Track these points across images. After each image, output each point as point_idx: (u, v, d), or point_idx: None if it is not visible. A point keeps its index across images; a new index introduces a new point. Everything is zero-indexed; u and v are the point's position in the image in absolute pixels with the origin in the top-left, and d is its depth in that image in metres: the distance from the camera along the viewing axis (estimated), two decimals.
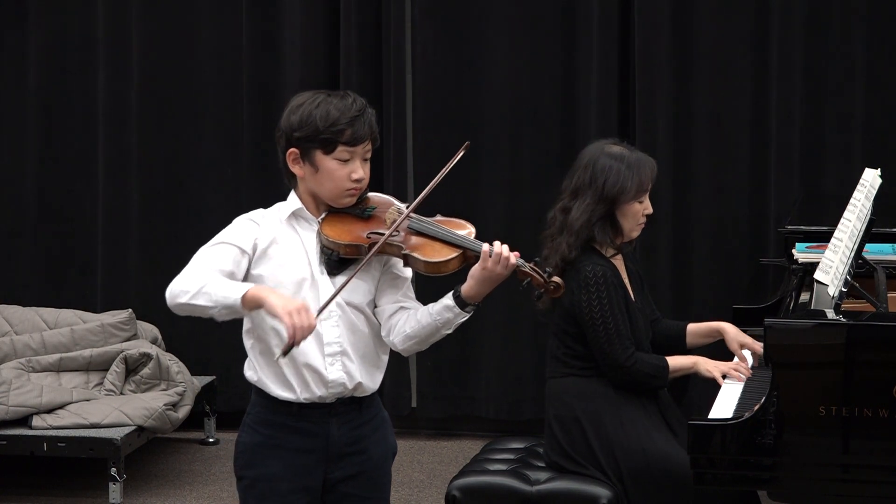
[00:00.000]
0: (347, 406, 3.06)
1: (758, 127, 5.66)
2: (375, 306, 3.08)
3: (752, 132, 5.67)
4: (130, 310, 5.75)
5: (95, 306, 6.04)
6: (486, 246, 2.94)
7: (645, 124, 5.67)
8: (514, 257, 2.95)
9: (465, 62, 5.87)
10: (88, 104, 6.15)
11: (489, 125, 5.87)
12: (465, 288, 2.96)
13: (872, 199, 3.95)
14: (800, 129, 5.62)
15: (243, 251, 2.97)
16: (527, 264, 2.99)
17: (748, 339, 4.02)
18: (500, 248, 2.94)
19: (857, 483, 3.28)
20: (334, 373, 3.01)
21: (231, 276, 2.94)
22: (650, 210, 3.92)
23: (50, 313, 5.80)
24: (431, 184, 3.06)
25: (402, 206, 3.07)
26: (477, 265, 2.94)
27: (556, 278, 3.02)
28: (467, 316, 2.98)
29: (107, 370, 5.47)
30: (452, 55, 5.88)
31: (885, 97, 5.60)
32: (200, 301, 2.84)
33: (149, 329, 5.81)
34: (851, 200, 3.83)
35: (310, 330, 2.78)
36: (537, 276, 3.00)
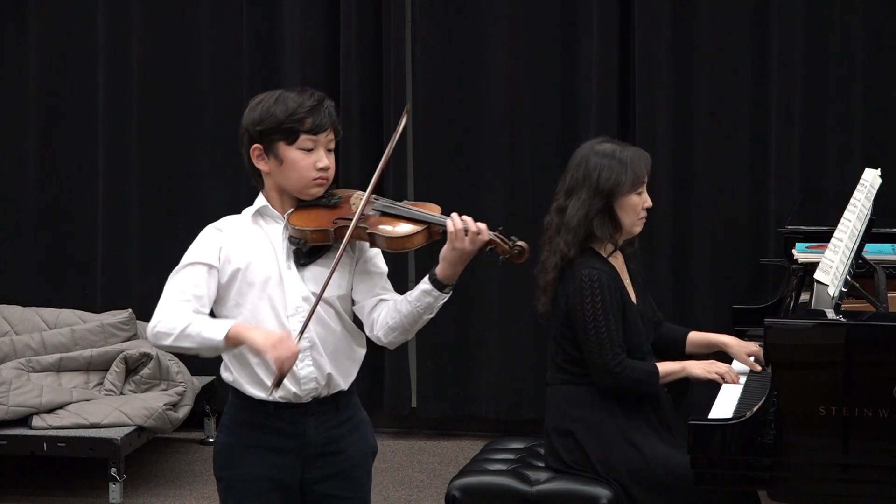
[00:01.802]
0: (324, 406, 3.07)
1: (758, 127, 5.66)
2: (354, 303, 3.09)
3: (752, 132, 5.67)
4: (130, 310, 5.75)
5: (95, 306, 6.04)
6: (450, 225, 2.94)
7: (645, 124, 5.67)
8: (485, 231, 2.96)
9: (465, 62, 5.87)
10: (88, 104, 6.15)
11: (489, 125, 5.87)
12: (440, 269, 2.97)
13: (872, 199, 3.95)
14: (800, 129, 5.62)
15: (210, 266, 3.01)
16: (491, 232, 3.00)
17: (754, 347, 3.99)
18: (467, 223, 2.94)
19: (857, 483, 3.28)
20: (304, 368, 3.01)
21: (203, 298, 2.98)
22: (649, 203, 3.89)
23: (50, 313, 5.80)
24: (385, 156, 3.11)
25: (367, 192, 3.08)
26: (446, 246, 2.95)
27: (520, 242, 3.02)
28: (447, 297, 2.99)
29: (107, 370, 5.47)
30: (452, 55, 5.88)
31: (885, 97, 5.60)
32: (184, 343, 2.91)
33: None
34: (851, 200, 3.83)
35: (294, 357, 2.86)
36: (501, 243, 3.00)
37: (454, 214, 2.97)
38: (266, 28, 5.98)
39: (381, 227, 2.99)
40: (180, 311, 2.93)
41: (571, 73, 5.80)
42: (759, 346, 4.03)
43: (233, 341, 2.88)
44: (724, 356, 4.04)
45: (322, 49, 5.95)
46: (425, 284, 2.98)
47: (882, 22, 5.59)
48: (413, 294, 3.00)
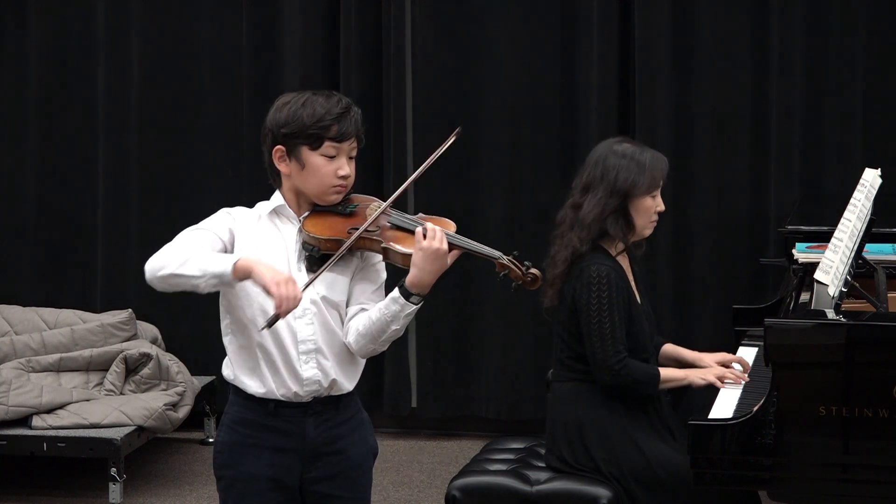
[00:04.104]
0: (324, 405, 3.06)
1: (758, 127, 5.66)
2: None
3: (752, 132, 5.68)
4: (130, 310, 5.75)
5: (95, 306, 6.05)
6: (419, 230, 2.95)
7: (645, 124, 5.67)
8: (440, 233, 2.94)
9: (465, 62, 5.88)
10: (88, 104, 6.15)
11: (489, 125, 5.87)
12: (409, 276, 2.95)
13: (872, 199, 3.95)
14: (800, 128, 5.62)
15: (221, 240, 3.01)
16: (506, 257, 3.00)
17: (720, 356, 4.00)
18: (430, 226, 2.95)
19: (857, 483, 3.29)
20: (309, 370, 3.01)
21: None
22: (662, 207, 3.89)
23: (50, 313, 5.80)
24: (413, 176, 3.13)
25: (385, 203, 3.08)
26: (414, 249, 2.95)
27: (533, 270, 3.02)
28: (413, 308, 2.96)
29: (107, 370, 5.47)
30: (452, 55, 5.88)
31: (885, 97, 5.60)
32: (187, 270, 2.87)
33: (149, 329, 5.81)
34: (851, 200, 3.83)
35: (296, 302, 2.82)
36: (515, 269, 3.00)
37: (427, 223, 2.97)
38: (266, 28, 5.98)
39: (395, 242, 2.99)
40: (186, 247, 2.91)
41: (571, 73, 5.80)
42: (725, 354, 4.04)
43: (240, 272, 2.85)
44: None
45: (322, 49, 5.95)
46: (394, 292, 2.97)
47: (882, 22, 5.59)
48: (383, 301, 3.00)
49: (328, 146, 3.00)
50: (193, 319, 5.95)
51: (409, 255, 2.97)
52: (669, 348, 4.11)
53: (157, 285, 2.94)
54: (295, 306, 2.83)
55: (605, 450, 3.79)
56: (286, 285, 2.80)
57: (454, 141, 3.13)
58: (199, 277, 2.87)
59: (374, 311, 3.00)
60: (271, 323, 2.85)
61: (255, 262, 2.85)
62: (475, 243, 3.01)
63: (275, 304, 2.80)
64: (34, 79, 6.18)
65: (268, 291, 2.82)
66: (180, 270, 2.88)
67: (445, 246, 2.94)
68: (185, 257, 2.88)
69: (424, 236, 2.94)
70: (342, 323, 3.06)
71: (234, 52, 6.02)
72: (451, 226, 3.02)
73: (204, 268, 2.86)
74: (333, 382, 3.05)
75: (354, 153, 3.06)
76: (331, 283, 3.02)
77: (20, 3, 6.16)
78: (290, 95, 3.06)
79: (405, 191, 5.68)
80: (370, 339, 3.01)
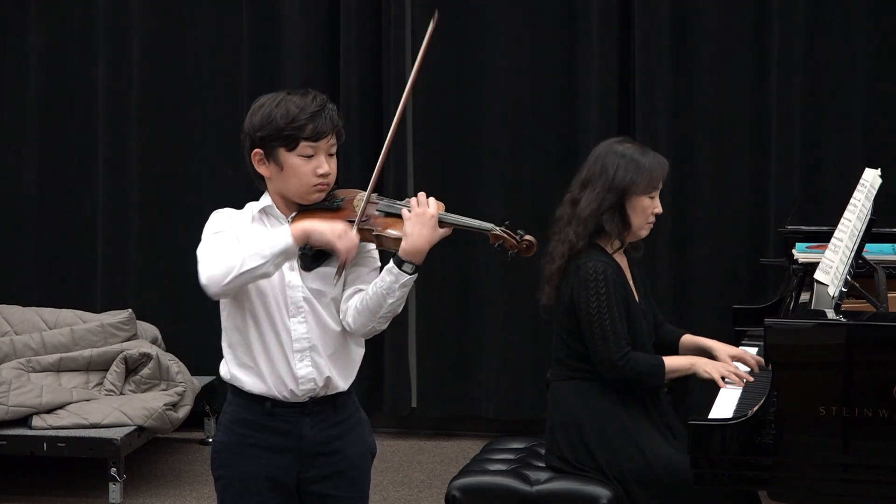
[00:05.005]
0: (321, 405, 3.07)
1: (758, 127, 5.67)
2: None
3: (752, 132, 5.68)
4: (130, 310, 5.75)
5: (95, 306, 6.04)
6: (406, 208, 3.01)
7: (645, 124, 5.67)
8: (433, 204, 3.01)
9: (465, 62, 5.88)
10: (88, 104, 6.15)
11: (489, 125, 5.87)
12: (401, 245, 2.97)
13: (872, 199, 3.95)
14: (800, 129, 5.62)
15: (237, 238, 2.99)
16: (498, 227, 3.01)
17: (737, 351, 4.00)
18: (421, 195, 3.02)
19: (857, 483, 3.28)
20: (303, 369, 3.01)
21: None
22: (659, 209, 3.90)
23: (50, 313, 5.80)
24: (383, 151, 3.19)
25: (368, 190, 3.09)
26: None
27: (528, 237, 3.02)
28: (407, 277, 2.95)
29: (107, 370, 5.47)
30: (452, 55, 5.88)
31: (885, 97, 5.60)
32: (252, 263, 2.87)
33: (149, 329, 5.81)
34: (851, 200, 3.83)
35: (356, 248, 2.92)
36: (509, 238, 3.01)
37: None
38: (266, 28, 5.98)
39: (388, 229, 2.99)
40: (233, 248, 2.91)
41: (571, 74, 5.80)
42: (744, 350, 4.05)
43: (300, 239, 2.88)
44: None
45: (322, 49, 5.95)
46: (389, 263, 2.98)
47: (882, 22, 5.59)
48: (379, 275, 3.01)
49: (304, 146, 3.00)
50: (193, 319, 5.95)
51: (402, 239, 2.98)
52: (688, 339, 4.10)
53: (223, 293, 2.94)
54: (356, 252, 2.92)
55: (606, 450, 3.79)
56: (345, 237, 2.88)
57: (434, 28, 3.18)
58: (265, 265, 2.88)
59: (371, 287, 3.00)
60: (340, 271, 2.94)
61: (310, 224, 2.90)
62: (466, 218, 3.04)
63: (341, 256, 2.88)
64: (34, 79, 6.18)
65: (333, 246, 2.88)
66: (245, 267, 2.88)
67: (433, 210, 2.98)
68: (241, 255, 2.89)
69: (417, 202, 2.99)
70: (337, 316, 3.06)
71: (234, 51, 6.02)
72: (441, 206, 3.03)
73: (265, 253, 2.87)
74: (328, 381, 3.05)
75: (334, 150, 3.06)
76: (324, 276, 3.02)
77: (20, 3, 6.16)
78: (266, 97, 3.07)
79: (404, 185, 5.67)
80: (368, 315, 3.00)
